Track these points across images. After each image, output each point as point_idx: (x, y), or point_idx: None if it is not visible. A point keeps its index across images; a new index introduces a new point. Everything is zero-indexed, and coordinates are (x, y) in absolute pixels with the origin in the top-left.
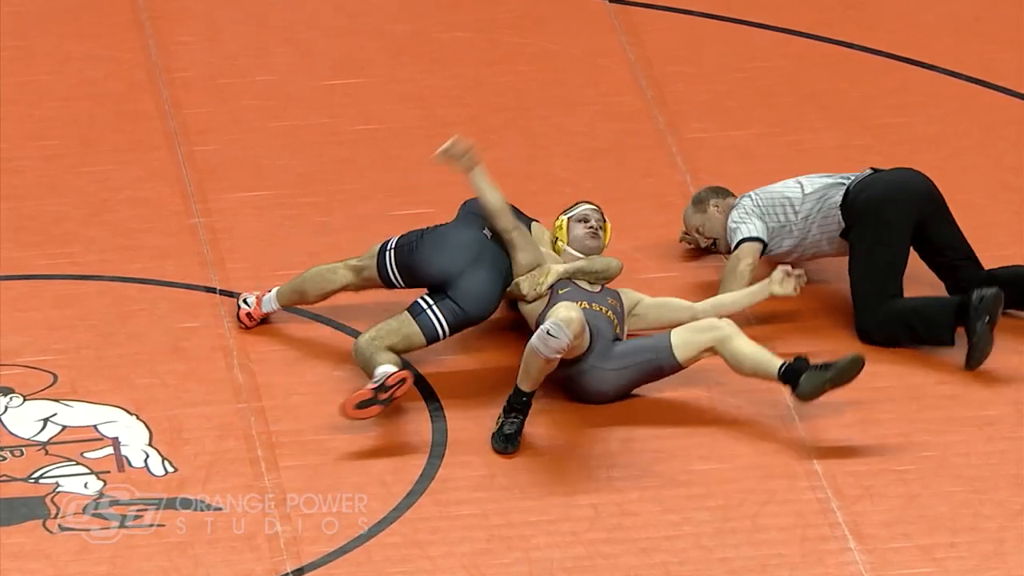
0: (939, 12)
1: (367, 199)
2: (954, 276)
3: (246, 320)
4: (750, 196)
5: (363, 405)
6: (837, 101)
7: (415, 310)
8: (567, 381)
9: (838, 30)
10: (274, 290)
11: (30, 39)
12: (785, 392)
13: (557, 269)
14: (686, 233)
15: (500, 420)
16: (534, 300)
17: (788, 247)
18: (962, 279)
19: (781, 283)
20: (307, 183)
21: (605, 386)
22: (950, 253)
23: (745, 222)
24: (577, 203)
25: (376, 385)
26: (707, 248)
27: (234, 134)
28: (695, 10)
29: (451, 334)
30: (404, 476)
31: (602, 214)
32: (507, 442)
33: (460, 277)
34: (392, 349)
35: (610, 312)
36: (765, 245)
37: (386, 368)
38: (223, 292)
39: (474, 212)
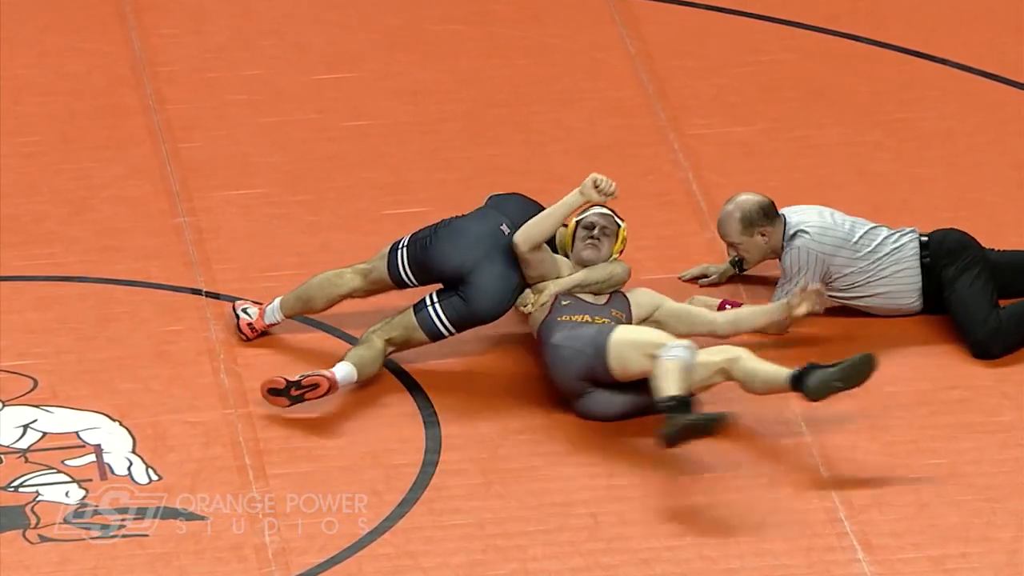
0: (950, 4)
1: (358, 197)
2: None
3: (247, 331)
4: (810, 236)
5: (274, 393)
6: (845, 96)
7: (417, 306)
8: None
9: (845, 23)
10: (276, 300)
11: (9, 31)
12: (796, 399)
13: (551, 288)
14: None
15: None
16: (530, 312)
17: (845, 285)
18: None
19: (800, 303)
20: (296, 181)
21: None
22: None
23: (805, 272)
24: (591, 206)
25: (295, 379)
26: (732, 259)
27: (220, 130)
28: (697, 2)
29: (457, 331)
30: (396, 484)
31: (615, 218)
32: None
33: (473, 272)
34: (392, 342)
35: (612, 320)
36: None
37: (334, 369)
38: (209, 294)
39: (496, 208)
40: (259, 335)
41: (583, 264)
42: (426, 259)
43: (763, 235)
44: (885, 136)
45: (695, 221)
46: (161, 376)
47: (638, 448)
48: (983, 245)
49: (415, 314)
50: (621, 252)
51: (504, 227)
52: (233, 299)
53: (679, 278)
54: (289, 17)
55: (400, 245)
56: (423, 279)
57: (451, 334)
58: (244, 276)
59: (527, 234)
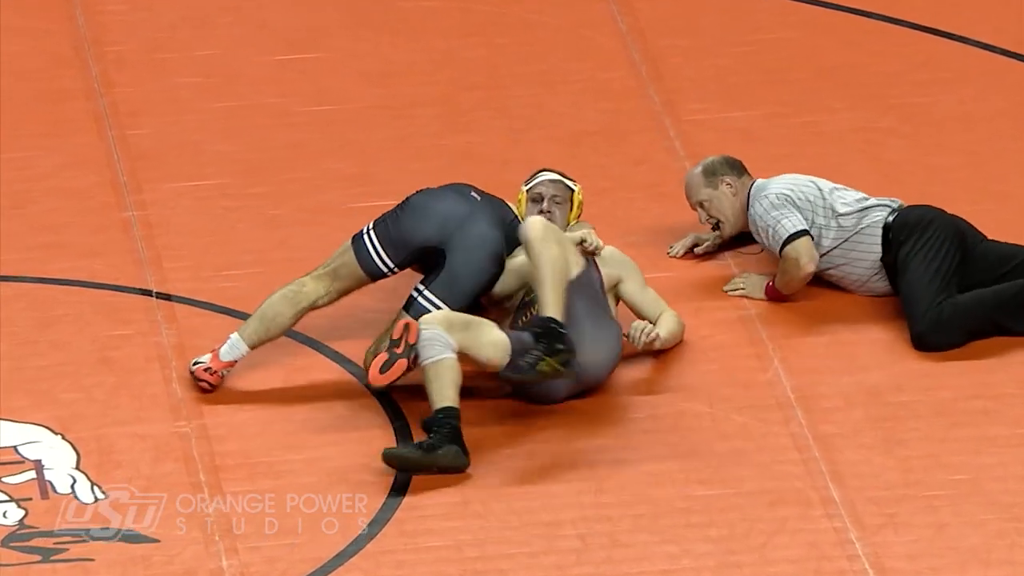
0: None
1: (322, 189)
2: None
3: (208, 378)
4: (777, 182)
5: (386, 367)
6: (855, 78)
7: (412, 308)
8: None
9: None
10: (233, 335)
11: None
12: (801, 408)
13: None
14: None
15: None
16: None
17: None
18: None
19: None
20: (254, 171)
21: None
22: (1012, 258)
23: (787, 215)
24: (537, 172)
25: (388, 345)
26: (710, 224)
27: (172, 116)
28: None
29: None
30: (366, 503)
31: (564, 183)
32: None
33: (456, 235)
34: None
35: None
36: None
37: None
38: (159, 295)
39: (463, 185)
40: (222, 379)
41: None
42: (402, 233)
43: (729, 185)
44: (899, 121)
45: (692, 215)
46: (107, 385)
47: (630, 464)
48: (979, 231)
49: (407, 311)
50: (579, 218)
51: (474, 194)
52: (185, 300)
53: (668, 254)
54: None
55: (365, 232)
56: (401, 258)
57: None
58: (197, 275)
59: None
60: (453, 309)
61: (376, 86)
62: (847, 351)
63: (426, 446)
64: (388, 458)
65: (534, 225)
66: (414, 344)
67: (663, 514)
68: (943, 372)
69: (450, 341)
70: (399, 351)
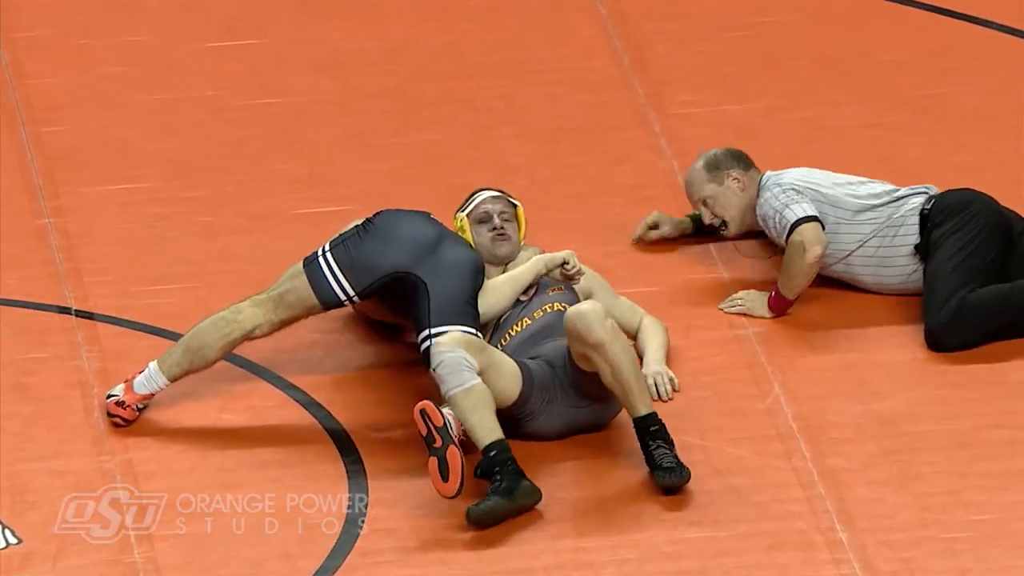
0: None
1: (264, 193)
2: None
3: (120, 412)
4: (794, 173)
5: (444, 472)
6: (863, 67)
7: (428, 361)
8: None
9: None
10: (152, 365)
11: None
12: (807, 439)
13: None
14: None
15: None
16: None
17: (842, 250)
18: None
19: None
20: (188, 173)
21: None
22: None
23: (797, 201)
24: (474, 193)
25: (426, 445)
26: (710, 227)
27: (94, 110)
28: None
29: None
30: (313, 548)
31: (507, 198)
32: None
33: (431, 260)
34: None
35: (560, 304)
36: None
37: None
38: (80, 313)
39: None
40: (138, 414)
41: (501, 262)
42: (366, 258)
43: (736, 180)
44: (912, 115)
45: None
46: (21, 414)
47: (612, 503)
48: (1014, 217)
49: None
50: (525, 238)
51: (434, 218)
52: (109, 319)
53: (633, 241)
54: None
55: (320, 255)
56: (364, 286)
57: (482, 333)
58: (124, 291)
59: (487, 305)
60: (469, 325)
61: (325, 77)
62: (856, 375)
63: (503, 491)
64: (477, 516)
65: (599, 318)
66: (442, 426)
67: (649, 559)
68: (964, 399)
69: (473, 363)
70: (439, 445)
